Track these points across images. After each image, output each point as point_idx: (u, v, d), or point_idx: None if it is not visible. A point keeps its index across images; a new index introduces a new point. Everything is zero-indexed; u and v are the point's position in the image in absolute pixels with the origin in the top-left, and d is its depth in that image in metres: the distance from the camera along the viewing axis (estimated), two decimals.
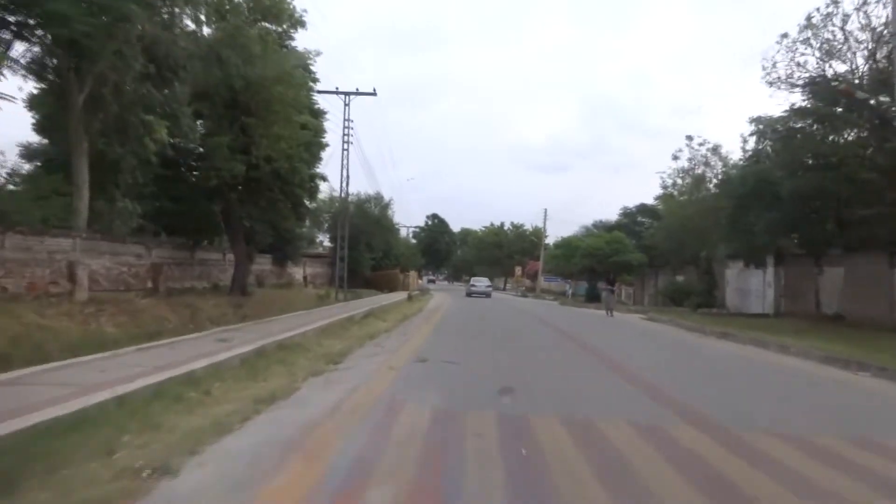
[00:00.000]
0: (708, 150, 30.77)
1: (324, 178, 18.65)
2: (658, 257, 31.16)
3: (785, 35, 15.87)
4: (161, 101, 12.51)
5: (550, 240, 56.00)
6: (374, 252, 44.25)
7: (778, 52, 16.45)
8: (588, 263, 29.82)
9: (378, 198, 37.74)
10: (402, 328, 14.36)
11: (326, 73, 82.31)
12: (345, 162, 23.66)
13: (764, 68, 16.83)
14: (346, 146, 23.75)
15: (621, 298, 41.12)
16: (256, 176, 16.34)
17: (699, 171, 30.65)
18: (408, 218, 73.49)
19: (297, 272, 31.34)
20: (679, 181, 34.54)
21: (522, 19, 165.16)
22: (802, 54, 15.80)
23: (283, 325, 12.09)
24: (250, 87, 15.88)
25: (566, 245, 31.94)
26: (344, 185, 23.56)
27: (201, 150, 15.82)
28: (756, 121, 19.22)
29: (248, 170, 16.27)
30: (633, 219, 36.55)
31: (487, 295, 39.15)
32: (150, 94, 12.27)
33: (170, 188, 15.47)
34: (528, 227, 71.45)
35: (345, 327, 13.18)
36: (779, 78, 16.50)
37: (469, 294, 39.65)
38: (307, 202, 18.87)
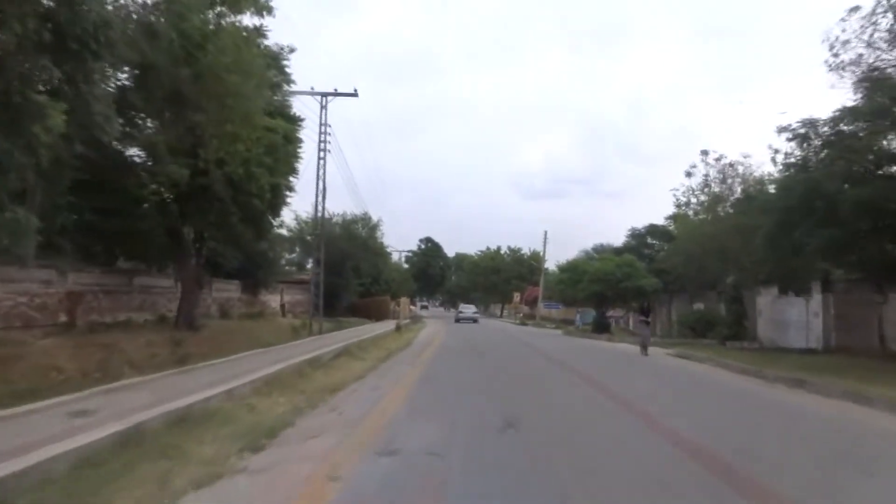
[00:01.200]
0: (725, 165, 28.24)
1: (290, 189, 15.60)
2: (673, 282, 28.23)
3: (856, 8, 13.10)
4: (62, 78, 9.55)
5: (549, 265, 53.14)
6: (362, 277, 41.26)
7: (843, 31, 13.70)
8: (597, 289, 26.88)
9: (366, 218, 34.94)
10: (379, 373, 11.26)
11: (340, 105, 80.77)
12: (321, 172, 20.76)
13: (832, 47, 14.03)
14: (322, 154, 20.94)
15: (629, 327, 38.10)
16: (205, 183, 13.40)
17: (717, 188, 28.08)
18: (401, 242, 70.71)
19: (274, 300, 28.21)
20: (693, 199, 32.00)
21: (519, 46, 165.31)
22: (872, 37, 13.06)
23: (219, 373, 9.01)
24: (200, 78, 13.07)
25: (572, 269, 29.05)
26: (320, 198, 20.57)
27: (136, 150, 12.89)
28: (805, 124, 16.51)
29: (195, 176, 13.36)
30: (643, 240, 33.75)
31: (475, 320, 42.26)
32: (47, 70, 9.32)
33: (93, 197, 12.46)
34: (526, 251, 68.77)
35: (304, 374, 10.09)
36: (844, 63, 13.76)
37: (457, 320, 42.59)
38: (270, 217, 15.82)
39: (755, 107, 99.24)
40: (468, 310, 46.07)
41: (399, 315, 40.56)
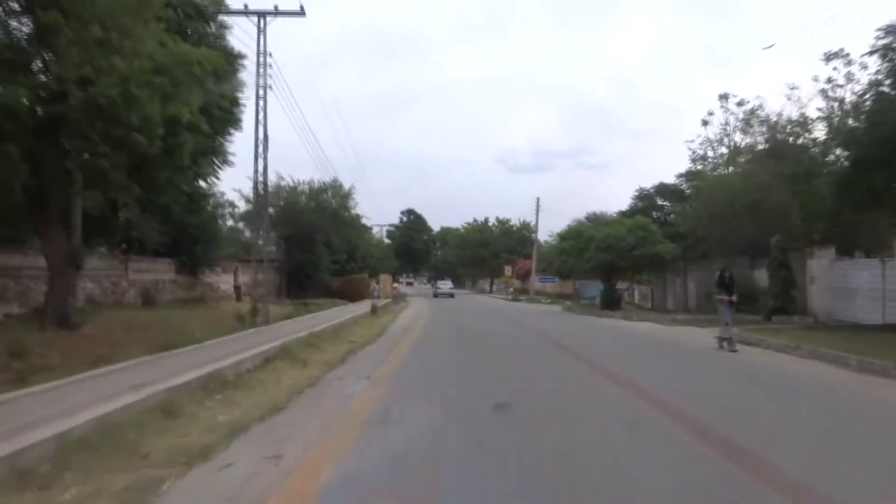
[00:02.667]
0: (747, 111, 24.19)
1: (197, 128, 10.82)
2: (691, 248, 24.30)
3: None
4: None
5: (541, 235, 49.12)
6: (336, 254, 36.93)
7: None
8: (605, 258, 22.84)
9: (336, 186, 30.36)
10: (317, 394, 7.07)
11: (314, 77, 75.07)
12: (260, 116, 16.03)
13: None
14: (261, 90, 16.13)
15: (634, 300, 34.37)
16: (59, 111, 8.97)
17: (740, 136, 24.09)
18: (385, 219, 66.23)
19: (225, 281, 23.86)
20: (711, 152, 27.93)
21: (503, 22, 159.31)
22: None
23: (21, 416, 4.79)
24: None
25: (575, 236, 24.89)
26: (261, 149, 15.92)
27: None
28: (890, 30, 12.42)
29: (47, 101, 8.95)
30: (651, 202, 29.65)
31: (451, 295, 48.17)
32: None
33: None
34: (516, 222, 64.62)
35: (170, 412, 5.83)
36: None
37: (435, 295, 48.26)
38: (174, 164, 11.25)
39: (741, 79, 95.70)
40: (445, 286, 53.33)
41: (378, 294, 36.37)
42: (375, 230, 59.14)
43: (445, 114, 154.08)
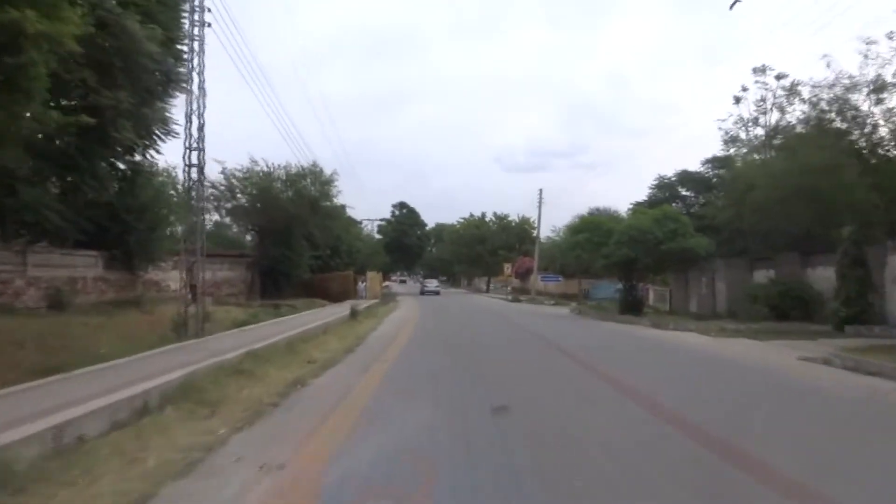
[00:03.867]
0: (785, 87, 20.77)
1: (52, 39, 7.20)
2: (726, 243, 20.87)
3: None
4: None
5: (543, 231, 45.66)
6: (319, 249, 33.34)
7: None
8: (626, 254, 19.35)
9: (315, 171, 26.76)
10: None
11: (303, 76, 71.36)
12: (194, 63, 12.11)
13: None
14: (194, 29, 12.11)
15: (649, 302, 31.05)
16: None
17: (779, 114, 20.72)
18: (378, 216, 62.45)
19: (177, 279, 20.22)
20: (743, 134, 24.43)
21: (498, 21, 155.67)
22: None
23: None
24: None
25: (592, 228, 21.31)
26: (195, 106, 12.08)
27: None
28: None
29: None
30: (672, 191, 26.15)
31: (437, 293, 51.14)
32: None
33: None
34: (514, 217, 61.12)
35: None
36: None
37: (422, 293, 50.38)
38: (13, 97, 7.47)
39: (736, 74, 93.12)
40: (431, 283, 57.07)
41: (364, 294, 32.85)
42: (366, 225, 55.60)
43: (441, 113, 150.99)
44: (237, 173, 24.92)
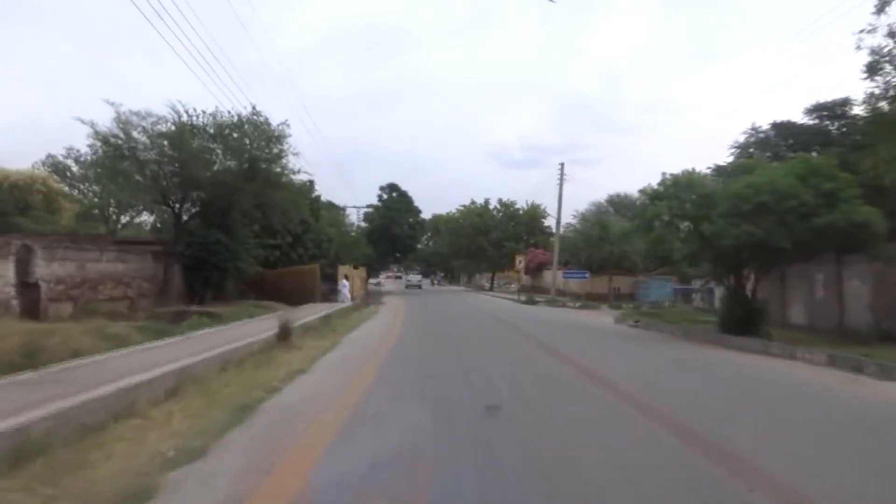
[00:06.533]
0: None
1: None
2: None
3: None
4: None
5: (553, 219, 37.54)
6: (275, 236, 25.36)
7: None
8: (748, 234, 11.15)
9: (256, 121, 18.58)
10: None
11: (293, 75, 63.19)
12: None
13: None
14: None
15: (709, 306, 23.17)
16: None
17: None
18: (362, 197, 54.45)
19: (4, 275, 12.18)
20: None
21: (490, 20, 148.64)
22: None
23: None
24: None
25: (685, 186, 12.63)
26: None
27: None
28: None
29: None
30: (767, 147, 17.81)
31: (419, 286, 56.93)
32: None
33: None
34: (523, 204, 53.10)
35: None
36: None
37: (407, 286, 55.15)
38: None
39: (728, 73, 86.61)
40: (415, 278, 62.23)
41: (347, 297, 24.86)
42: (350, 214, 47.52)
43: (434, 110, 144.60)
44: (136, 121, 16.79)
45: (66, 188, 30.02)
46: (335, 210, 35.36)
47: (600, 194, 55.62)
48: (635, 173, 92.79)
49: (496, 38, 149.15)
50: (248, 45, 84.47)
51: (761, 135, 18.17)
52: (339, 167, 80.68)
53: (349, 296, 25.54)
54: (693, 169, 15.59)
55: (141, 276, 17.48)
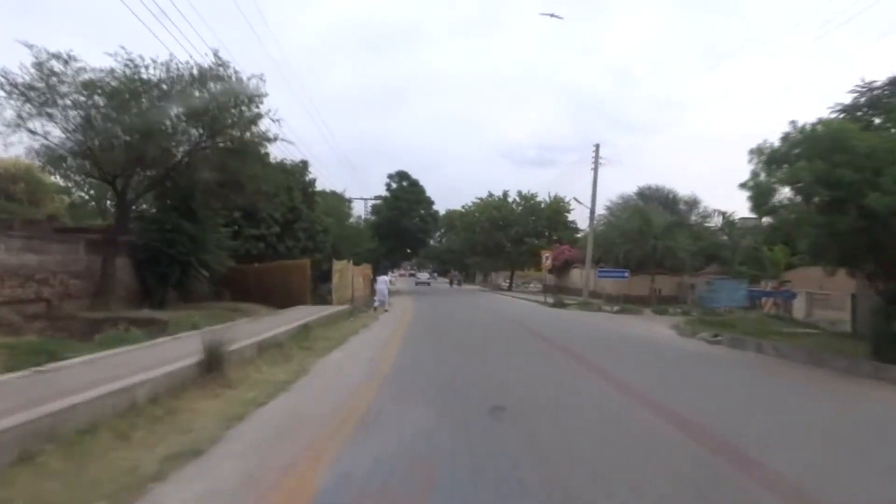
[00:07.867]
0: None
1: None
2: None
3: None
4: None
5: (579, 214, 32.93)
6: (259, 225, 21.33)
7: None
8: None
9: (220, 74, 14.37)
10: None
11: (299, 73, 59.29)
12: None
13: None
14: None
15: (781, 312, 18.78)
16: None
17: None
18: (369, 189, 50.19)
19: None
20: None
21: (500, 16, 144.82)
22: None
23: None
24: None
25: (824, 138, 8.54)
26: None
27: None
28: None
29: None
30: (880, 106, 13.37)
31: (428, 283, 61.48)
32: None
33: None
34: (545, 197, 48.58)
35: None
36: None
37: (416, 283, 59.71)
38: None
39: (739, 74, 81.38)
40: (423, 276, 65.93)
41: (382, 294, 20.80)
42: (359, 207, 43.38)
43: (447, 108, 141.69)
44: (59, 67, 12.65)
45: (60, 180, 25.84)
46: (336, 198, 31.13)
47: (620, 190, 50.88)
48: (652, 171, 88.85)
49: (506, 37, 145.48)
50: (256, 44, 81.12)
51: (875, 92, 13.68)
52: (349, 164, 76.71)
53: (388, 296, 21.55)
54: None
55: (67, 272, 13.36)
